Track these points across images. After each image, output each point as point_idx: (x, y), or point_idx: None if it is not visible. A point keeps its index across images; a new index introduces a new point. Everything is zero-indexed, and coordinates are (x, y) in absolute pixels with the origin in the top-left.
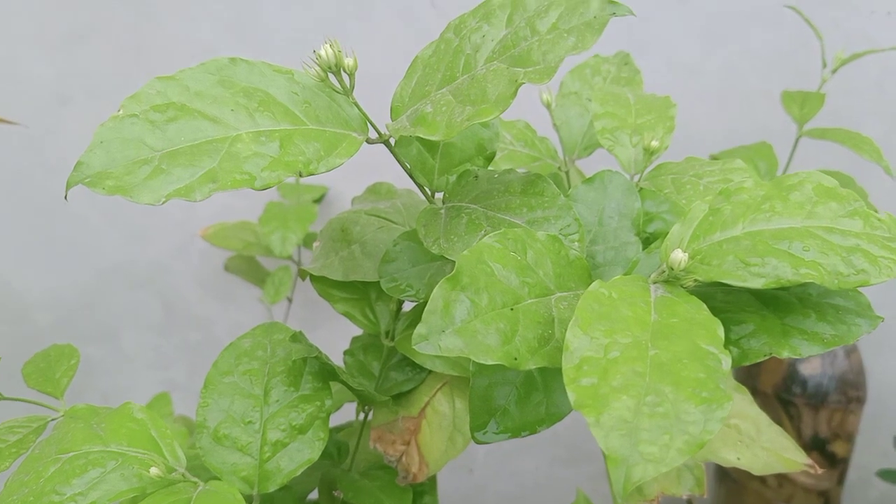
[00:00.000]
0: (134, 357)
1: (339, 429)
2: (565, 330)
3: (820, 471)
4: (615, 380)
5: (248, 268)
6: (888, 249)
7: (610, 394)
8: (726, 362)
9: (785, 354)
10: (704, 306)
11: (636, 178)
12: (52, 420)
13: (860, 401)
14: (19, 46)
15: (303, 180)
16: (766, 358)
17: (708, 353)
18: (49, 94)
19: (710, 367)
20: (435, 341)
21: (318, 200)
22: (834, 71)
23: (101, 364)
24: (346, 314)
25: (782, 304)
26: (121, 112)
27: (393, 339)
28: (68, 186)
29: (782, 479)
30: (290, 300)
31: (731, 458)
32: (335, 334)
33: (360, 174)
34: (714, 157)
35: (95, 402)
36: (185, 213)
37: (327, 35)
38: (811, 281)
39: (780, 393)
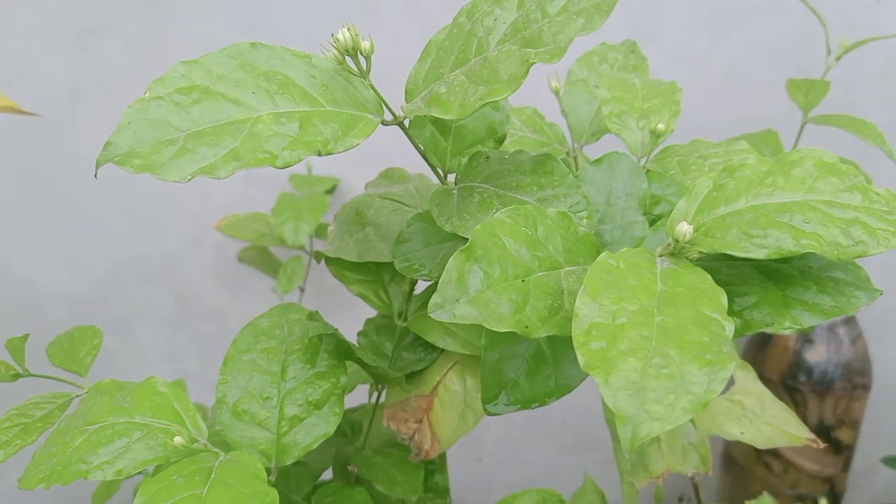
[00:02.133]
0: (148, 348)
1: (352, 410)
2: (574, 301)
3: (822, 445)
4: (623, 343)
5: (261, 258)
6: (886, 222)
7: (618, 356)
8: (729, 328)
9: (787, 324)
10: (709, 277)
11: (643, 160)
12: (77, 396)
13: (865, 388)
14: (32, 42)
15: (314, 171)
16: (768, 328)
17: (712, 320)
18: (62, 88)
19: (713, 333)
20: (450, 310)
21: (330, 191)
22: (838, 58)
23: (115, 356)
24: (360, 295)
25: (784, 276)
26: (147, 94)
27: (405, 319)
28: (98, 165)
29: (788, 465)
30: (302, 289)
31: (736, 432)
32: (347, 322)
33: (371, 164)
34: None
35: None
36: (199, 204)
37: (343, 21)
38: (812, 251)
39: (786, 380)
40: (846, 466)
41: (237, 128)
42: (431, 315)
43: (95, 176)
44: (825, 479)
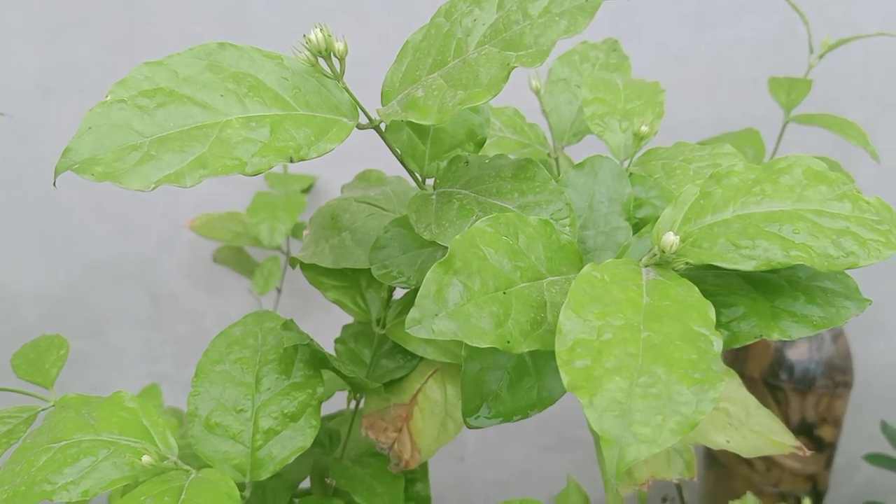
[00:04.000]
0: (123, 350)
1: (330, 417)
2: (557, 313)
3: (808, 452)
4: (608, 361)
5: (237, 258)
6: (877, 232)
7: (603, 375)
8: (718, 344)
9: (775, 336)
10: (696, 289)
11: (626, 163)
12: (43, 410)
13: (847, 385)
14: (3, 37)
15: (291, 170)
16: (757, 340)
17: (700, 335)
18: (34, 85)
19: (701, 349)
20: (428, 325)
21: (307, 190)
22: (821, 56)
23: (90, 358)
24: (336, 302)
25: (772, 287)
26: (109, 98)
27: (384, 326)
28: (57, 173)
29: (770, 463)
30: (279, 290)
31: (721, 440)
32: (324, 324)
33: (348, 163)
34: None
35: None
36: (172, 204)
37: (317, 21)
38: (801, 263)
39: (768, 378)
40: (828, 464)
41: (205, 133)
42: (409, 331)
43: (54, 184)
44: (808, 476)
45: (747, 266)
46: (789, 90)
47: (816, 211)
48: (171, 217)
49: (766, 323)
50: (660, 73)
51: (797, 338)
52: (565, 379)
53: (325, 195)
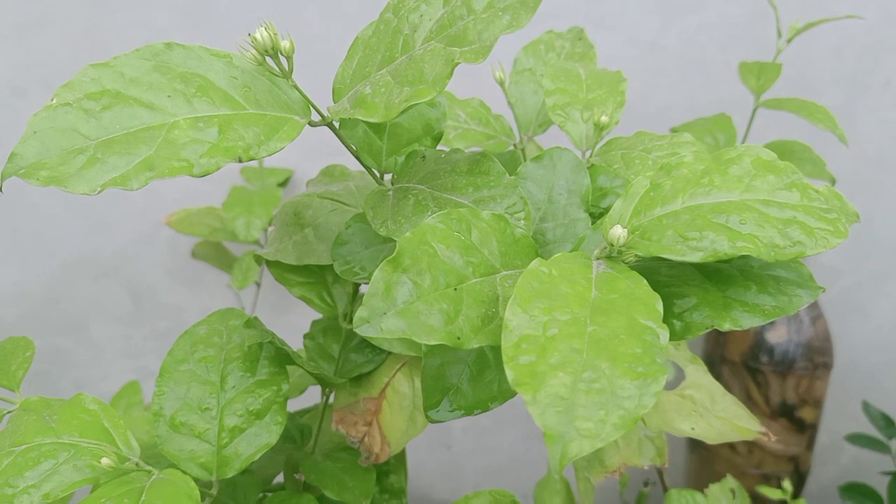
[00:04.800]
0: (105, 347)
1: (303, 412)
2: None
3: (774, 438)
4: (553, 357)
5: (216, 253)
6: (824, 221)
7: (547, 371)
8: (664, 336)
9: (726, 326)
10: (644, 281)
11: (588, 153)
12: (9, 413)
13: (827, 367)
14: None
15: (266, 164)
16: (709, 330)
17: (646, 328)
18: (3, 86)
19: (647, 342)
20: (376, 324)
21: (283, 184)
22: (789, 41)
23: (72, 355)
24: (302, 298)
25: (724, 276)
26: (54, 101)
27: (351, 321)
28: (3, 178)
29: (752, 445)
30: (258, 284)
31: (686, 428)
32: (305, 317)
33: (325, 156)
34: (675, 130)
35: (68, 392)
36: (149, 199)
37: (281, 14)
38: (748, 253)
39: (748, 361)
40: (810, 445)
41: (151, 134)
42: (357, 330)
43: (0, 189)
44: (789, 458)
45: (695, 258)
46: (759, 75)
47: (764, 201)
48: (149, 212)
49: (718, 313)
50: (630, 58)
51: (748, 326)
52: (510, 375)
53: (302, 189)
